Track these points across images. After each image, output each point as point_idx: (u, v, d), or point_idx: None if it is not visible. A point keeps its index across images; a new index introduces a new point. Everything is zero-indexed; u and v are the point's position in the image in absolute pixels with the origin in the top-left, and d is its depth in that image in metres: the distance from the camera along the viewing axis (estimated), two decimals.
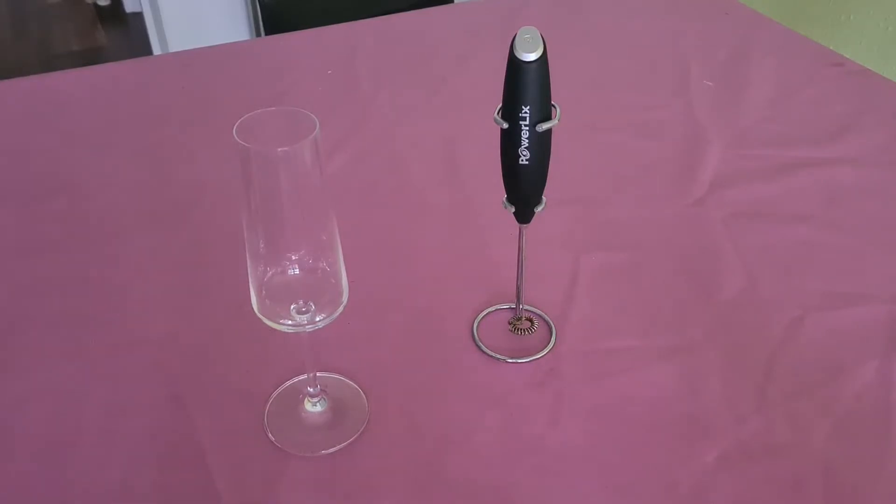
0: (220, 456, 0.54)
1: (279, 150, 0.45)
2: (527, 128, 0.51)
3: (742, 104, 0.93)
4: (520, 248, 0.60)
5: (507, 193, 0.56)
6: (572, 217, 0.75)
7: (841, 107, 0.92)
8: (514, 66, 0.50)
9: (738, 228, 0.74)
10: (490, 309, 0.66)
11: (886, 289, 0.67)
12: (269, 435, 0.56)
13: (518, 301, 0.63)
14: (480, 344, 0.62)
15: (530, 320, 0.64)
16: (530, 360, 0.61)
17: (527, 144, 0.52)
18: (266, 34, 1.71)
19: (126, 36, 2.87)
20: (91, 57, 2.70)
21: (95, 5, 3.02)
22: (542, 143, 0.53)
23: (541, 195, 0.56)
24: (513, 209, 0.57)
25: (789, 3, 1.68)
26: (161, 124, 0.90)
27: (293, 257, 0.50)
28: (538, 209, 0.57)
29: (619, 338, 0.63)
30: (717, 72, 0.99)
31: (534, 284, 0.65)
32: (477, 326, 0.64)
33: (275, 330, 0.51)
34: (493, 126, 0.53)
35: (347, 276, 0.52)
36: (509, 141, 0.53)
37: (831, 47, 1.03)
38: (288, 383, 0.59)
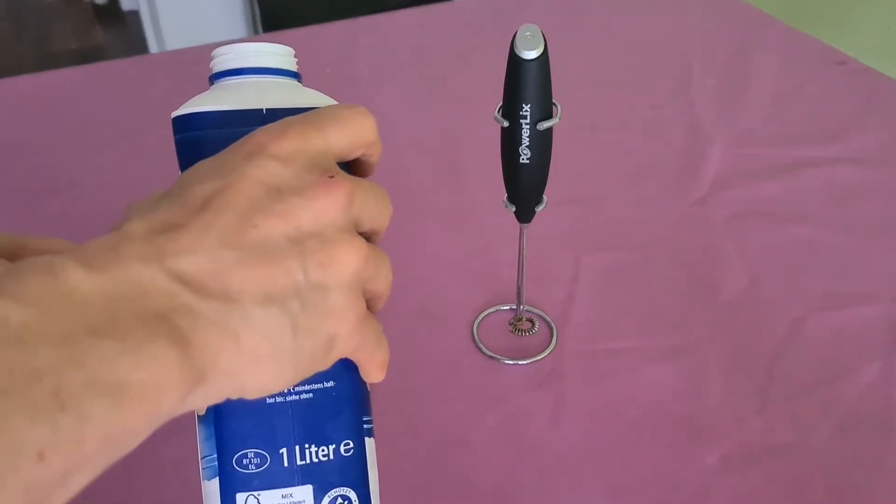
0: None
1: None
2: (527, 126, 0.51)
3: (744, 103, 0.92)
4: (520, 248, 0.60)
5: (508, 193, 0.56)
6: (573, 216, 0.75)
7: (844, 106, 0.91)
8: (515, 64, 0.49)
9: (740, 228, 0.73)
10: (490, 309, 0.65)
11: (889, 289, 0.67)
12: None
13: (518, 301, 0.63)
14: (480, 345, 0.62)
15: (531, 321, 0.64)
16: (531, 362, 0.61)
17: (527, 143, 0.52)
18: (264, 31, 1.71)
19: (123, 34, 2.87)
20: (88, 55, 2.70)
21: (93, 4, 3.02)
22: (542, 142, 0.52)
23: (542, 194, 0.56)
24: (513, 209, 0.57)
25: (792, 1, 1.67)
26: (159, 122, 0.89)
27: None
28: (539, 209, 0.57)
29: (620, 338, 0.63)
30: (719, 70, 0.99)
31: (534, 285, 0.64)
32: (477, 327, 0.64)
33: None
34: (494, 124, 0.53)
35: None
36: (510, 139, 0.52)
37: (834, 46, 1.03)
38: None
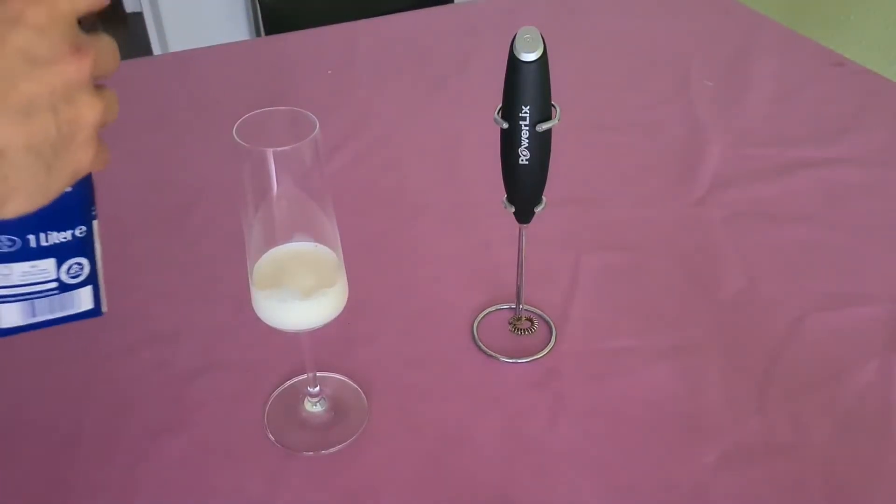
0: (220, 456, 0.54)
1: (279, 150, 0.45)
2: (527, 128, 0.51)
3: (743, 104, 0.93)
4: (520, 248, 0.60)
5: (507, 193, 0.56)
6: (572, 217, 0.75)
7: (841, 107, 0.92)
8: (514, 66, 0.50)
9: (739, 228, 0.74)
10: (490, 309, 0.65)
11: (887, 288, 0.67)
12: (269, 435, 0.56)
13: (518, 301, 0.63)
14: (480, 344, 0.62)
15: (530, 320, 0.64)
16: (530, 361, 0.61)
17: (527, 144, 0.52)
18: (266, 34, 1.71)
19: (126, 36, 2.87)
20: None
21: None
22: (542, 143, 0.52)
23: (541, 195, 0.56)
24: (513, 209, 0.57)
25: (790, 3, 1.68)
26: (161, 125, 0.90)
27: None
28: (538, 209, 0.57)
29: (619, 338, 0.63)
30: (717, 71, 0.99)
31: (534, 284, 0.65)
32: (477, 326, 0.64)
33: (275, 330, 0.51)
34: (494, 126, 0.53)
35: (347, 275, 0.52)
36: (509, 141, 0.53)
37: (832, 47, 1.03)
38: (288, 383, 0.59)
